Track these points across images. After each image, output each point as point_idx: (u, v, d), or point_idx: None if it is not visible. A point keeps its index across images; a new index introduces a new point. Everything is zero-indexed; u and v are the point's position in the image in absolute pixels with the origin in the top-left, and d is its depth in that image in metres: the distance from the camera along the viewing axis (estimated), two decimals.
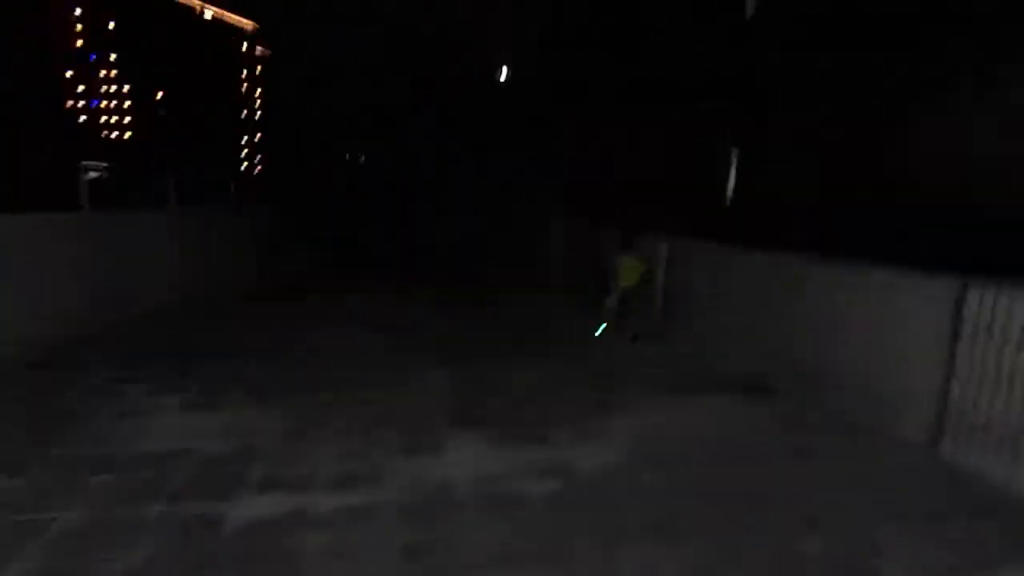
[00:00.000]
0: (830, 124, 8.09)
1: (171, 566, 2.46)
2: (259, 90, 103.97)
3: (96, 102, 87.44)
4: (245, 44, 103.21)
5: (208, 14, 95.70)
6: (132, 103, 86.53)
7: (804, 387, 4.99)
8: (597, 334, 6.98)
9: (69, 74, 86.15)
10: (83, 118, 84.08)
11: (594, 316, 7.21)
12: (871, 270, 4.44)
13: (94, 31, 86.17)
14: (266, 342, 6.23)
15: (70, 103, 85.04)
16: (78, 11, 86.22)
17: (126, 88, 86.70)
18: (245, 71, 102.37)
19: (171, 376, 4.84)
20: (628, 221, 8.81)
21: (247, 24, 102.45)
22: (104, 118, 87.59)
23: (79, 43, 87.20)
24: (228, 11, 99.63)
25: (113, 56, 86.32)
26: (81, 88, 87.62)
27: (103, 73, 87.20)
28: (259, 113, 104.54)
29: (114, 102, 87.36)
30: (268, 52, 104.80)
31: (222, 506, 2.91)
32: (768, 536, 2.83)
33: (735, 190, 11.06)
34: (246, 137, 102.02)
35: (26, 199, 5.81)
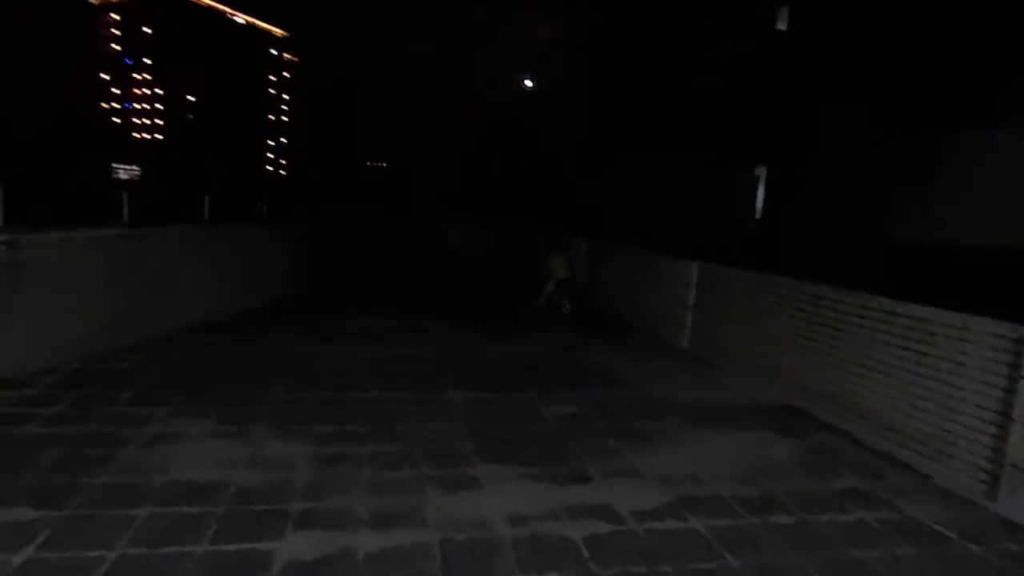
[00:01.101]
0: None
1: None
2: (286, 96, 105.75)
3: (129, 105, 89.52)
4: (274, 51, 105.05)
5: (240, 20, 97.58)
6: (163, 107, 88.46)
7: (840, 420, 4.93)
8: (536, 305, 10.03)
9: (106, 77, 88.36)
10: (116, 120, 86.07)
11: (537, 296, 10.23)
12: (914, 306, 4.39)
13: (131, 36, 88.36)
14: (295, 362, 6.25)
15: (105, 105, 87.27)
16: (116, 16, 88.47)
17: (159, 91, 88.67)
18: (274, 77, 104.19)
19: (198, 399, 4.84)
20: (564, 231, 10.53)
21: (277, 31, 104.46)
22: (136, 120, 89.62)
23: (116, 47, 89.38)
24: (259, 19, 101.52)
25: (148, 60, 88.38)
26: (116, 91, 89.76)
27: (137, 77, 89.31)
28: (285, 118, 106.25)
29: (146, 105, 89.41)
30: (297, 59, 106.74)
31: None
32: None
33: (765, 222, 10.99)
34: (272, 142, 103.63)
35: (66, 211, 5.83)
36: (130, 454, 3.77)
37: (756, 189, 11.64)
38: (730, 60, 11.26)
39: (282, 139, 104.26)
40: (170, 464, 3.66)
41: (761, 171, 11.73)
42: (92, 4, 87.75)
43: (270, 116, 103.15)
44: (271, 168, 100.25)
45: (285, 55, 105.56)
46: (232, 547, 2.88)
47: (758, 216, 11.85)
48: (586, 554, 3.00)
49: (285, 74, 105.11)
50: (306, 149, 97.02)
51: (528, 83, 25.15)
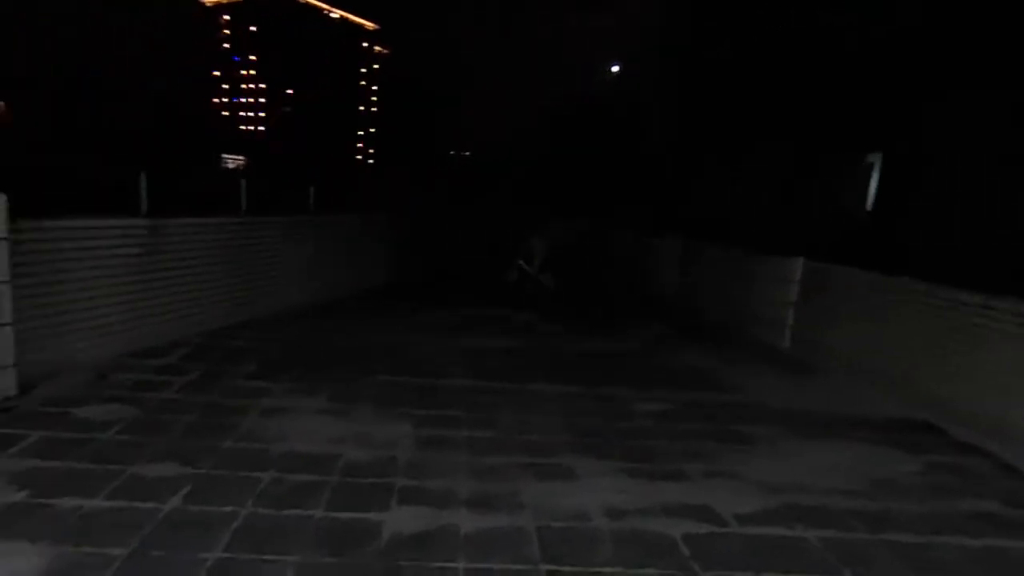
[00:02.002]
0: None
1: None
2: (376, 86, 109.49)
3: (237, 99, 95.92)
4: (366, 43, 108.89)
5: (335, 15, 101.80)
6: (265, 100, 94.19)
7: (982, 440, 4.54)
8: (510, 281, 10.70)
9: (216, 74, 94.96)
10: (226, 113, 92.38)
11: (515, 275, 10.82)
12: None
13: (239, 35, 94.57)
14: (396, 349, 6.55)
15: (215, 100, 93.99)
16: (227, 17, 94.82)
17: (261, 86, 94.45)
18: (365, 68, 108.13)
19: (305, 379, 5.17)
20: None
21: (369, 24, 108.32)
22: (242, 113, 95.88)
23: (226, 46, 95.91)
24: (352, 13, 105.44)
25: (253, 57, 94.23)
26: (226, 87, 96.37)
27: (244, 72, 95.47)
28: (374, 109, 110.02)
29: (250, 99, 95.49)
30: (387, 51, 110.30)
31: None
32: None
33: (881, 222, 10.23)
34: (361, 132, 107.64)
35: (189, 200, 6.37)
36: (251, 423, 4.11)
37: (868, 178, 10.82)
38: (850, 32, 10.47)
39: (371, 129, 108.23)
40: (287, 435, 3.97)
41: (875, 158, 10.86)
42: (206, 6, 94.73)
43: (360, 107, 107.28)
44: (360, 157, 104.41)
45: (376, 47, 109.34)
46: (345, 515, 3.08)
47: (869, 208, 11.02)
48: (686, 552, 2.97)
49: (375, 66, 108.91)
50: (393, 139, 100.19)
51: (615, 69, 24.68)
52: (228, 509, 3.03)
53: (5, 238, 3.93)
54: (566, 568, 2.78)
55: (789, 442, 4.52)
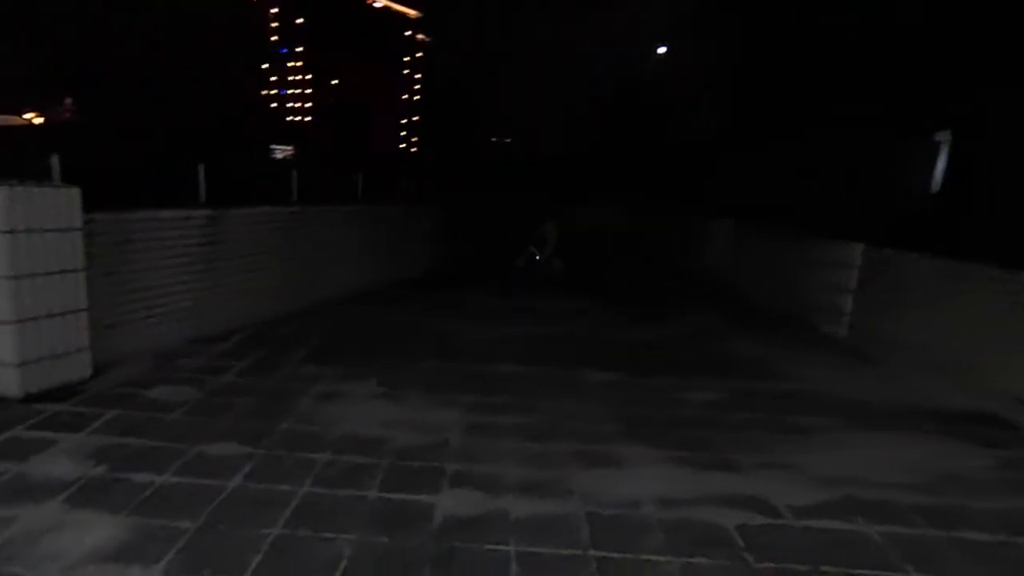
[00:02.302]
0: None
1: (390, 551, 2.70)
2: (419, 75, 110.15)
3: (284, 91, 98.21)
4: (409, 31, 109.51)
5: (378, 4, 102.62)
6: (313, 91, 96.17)
7: None
8: (522, 267, 10.69)
9: (266, 67, 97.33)
10: (274, 105, 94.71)
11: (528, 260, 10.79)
12: None
13: (286, 27, 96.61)
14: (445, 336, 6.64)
15: (264, 92, 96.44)
16: (275, 10, 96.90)
17: (307, 77, 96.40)
18: (407, 57, 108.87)
19: (356, 365, 5.29)
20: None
21: (411, 12, 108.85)
22: (289, 104, 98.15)
23: (275, 38, 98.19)
24: (394, 1, 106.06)
25: (299, 49, 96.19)
26: (274, 79, 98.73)
27: (291, 64, 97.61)
28: (417, 97, 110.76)
29: (297, 90, 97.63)
30: (429, 39, 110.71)
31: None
32: None
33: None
34: (404, 120, 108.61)
35: (242, 190, 6.58)
36: (306, 406, 4.25)
37: (936, 160, 10.25)
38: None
39: (414, 118, 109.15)
40: (340, 418, 4.08)
41: (944, 137, 10.26)
42: (254, 1, 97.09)
43: (403, 96, 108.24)
44: (403, 146, 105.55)
45: (419, 36, 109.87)
46: (397, 496, 3.16)
47: (936, 190, 10.45)
48: (740, 543, 2.92)
49: (418, 54, 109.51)
50: (435, 128, 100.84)
51: (661, 50, 24.11)
52: (286, 488, 3.14)
53: (79, 229, 4.15)
54: (615, 555, 2.77)
55: (848, 433, 4.36)
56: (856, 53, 11.21)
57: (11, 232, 3.75)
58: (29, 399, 3.95)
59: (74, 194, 4.11)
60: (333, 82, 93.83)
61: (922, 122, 10.31)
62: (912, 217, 10.24)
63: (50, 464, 3.21)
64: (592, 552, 2.78)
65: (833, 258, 7.41)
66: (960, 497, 3.47)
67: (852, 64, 11.27)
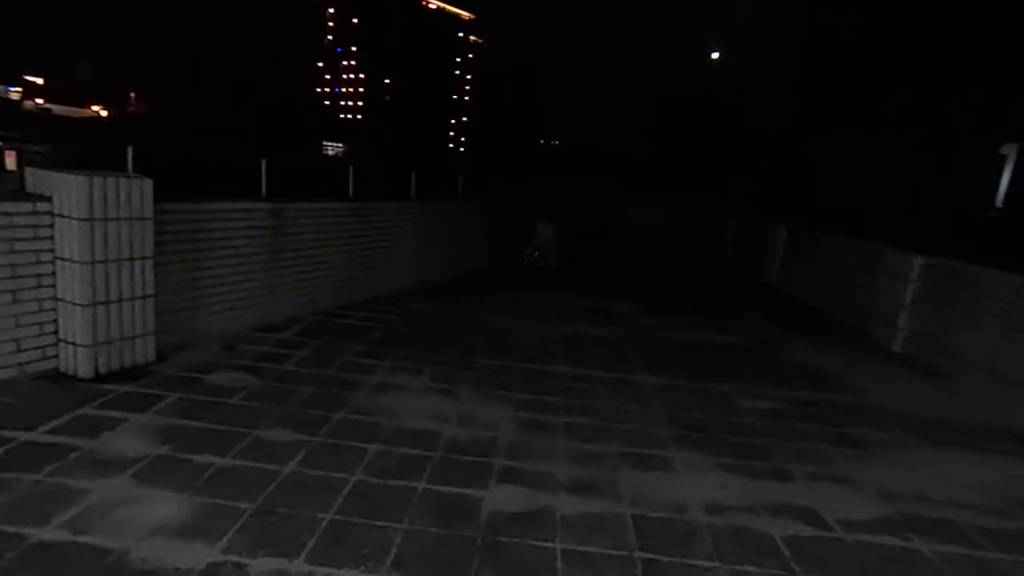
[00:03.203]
0: None
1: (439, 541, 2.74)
2: (470, 75, 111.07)
3: (338, 89, 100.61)
4: (461, 33, 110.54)
5: (432, 5, 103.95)
6: (365, 90, 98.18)
7: None
8: (521, 267, 10.74)
9: (320, 65, 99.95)
10: (327, 103, 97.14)
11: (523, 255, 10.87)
12: None
13: (342, 27, 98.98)
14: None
15: (318, 90, 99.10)
16: (331, 9, 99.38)
17: (362, 76, 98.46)
18: (459, 58, 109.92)
19: (411, 359, 5.38)
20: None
21: (464, 14, 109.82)
22: (342, 103, 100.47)
23: (330, 38, 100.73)
24: (448, 2, 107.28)
25: (354, 48, 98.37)
26: (328, 77, 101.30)
27: (345, 63, 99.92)
28: (468, 97, 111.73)
29: (350, 88, 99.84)
30: (482, 40, 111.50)
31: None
32: None
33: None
34: (454, 120, 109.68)
35: (298, 185, 6.76)
36: (361, 397, 4.35)
37: (1001, 171, 9.74)
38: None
39: (464, 118, 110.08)
40: (393, 410, 4.16)
41: (1010, 149, 9.76)
42: (314, 0, 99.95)
43: (455, 96, 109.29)
44: (454, 145, 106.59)
45: (471, 37, 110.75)
46: (446, 489, 3.20)
47: (1001, 204, 9.94)
48: (787, 553, 2.85)
49: (470, 55, 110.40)
50: (488, 127, 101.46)
51: (716, 55, 23.65)
52: (340, 475, 3.23)
53: (151, 218, 4.37)
54: (663, 558, 2.74)
55: (911, 450, 4.19)
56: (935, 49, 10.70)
57: (89, 220, 3.98)
58: (99, 379, 4.18)
59: (147, 185, 4.32)
60: (386, 81, 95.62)
61: (995, 132, 9.78)
62: (981, 228, 9.74)
63: (119, 441, 3.39)
64: (639, 554, 2.75)
65: (891, 268, 7.11)
66: None
67: (931, 61, 10.76)
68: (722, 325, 7.85)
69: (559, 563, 2.65)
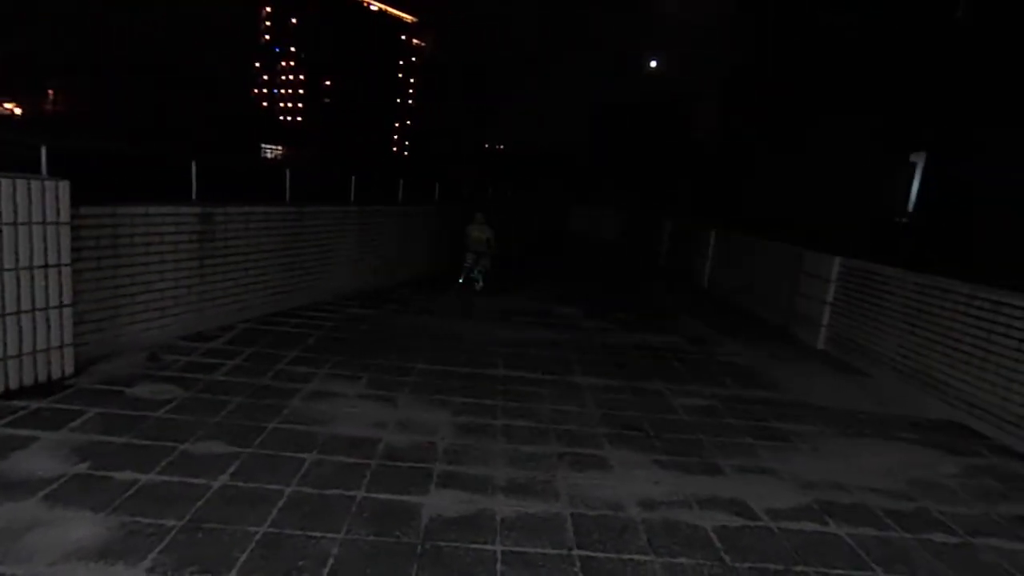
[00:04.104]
0: None
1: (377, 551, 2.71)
2: (413, 79, 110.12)
3: (277, 91, 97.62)
4: (404, 36, 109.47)
5: (374, 7, 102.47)
6: (305, 91, 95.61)
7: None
8: (460, 281, 9.62)
9: (257, 65, 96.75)
10: (265, 104, 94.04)
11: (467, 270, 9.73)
12: None
13: (279, 27, 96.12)
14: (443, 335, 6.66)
15: (255, 91, 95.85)
16: (268, 8, 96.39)
17: (300, 77, 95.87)
18: (402, 61, 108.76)
19: (347, 365, 5.30)
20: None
21: (407, 17, 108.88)
22: (280, 104, 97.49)
23: (267, 37, 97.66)
24: (392, 6, 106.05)
25: (292, 48, 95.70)
26: (265, 78, 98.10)
27: (283, 63, 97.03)
28: (411, 101, 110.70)
29: (289, 90, 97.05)
30: (425, 44, 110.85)
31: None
32: None
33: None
34: (397, 124, 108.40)
35: (234, 189, 6.55)
36: (296, 406, 4.25)
37: (911, 178, 10.52)
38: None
39: (408, 121, 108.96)
40: (330, 418, 4.09)
41: (919, 158, 10.56)
42: None
43: (397, 99, 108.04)
44: (396, 149, 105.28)
45: (414, 40, 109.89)
46: (384, 496, 3.17)
47: (910, 209, 10.72)
48: (718, 544, 2.98)
49: (413, 59, 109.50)
50: (432, 132, 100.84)
51: (653, 64, 24.45)
52: (274, 487, 3.15)
53: (67, 223, 4.13)
54: (600, 555, 2.82)
55: (827, 440, 4.46)
56: (855, 62, 11.44)
57: None
58: (8, 395, 3.91)
59: (63, 187, 4.09)
60: (327, 83, 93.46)
61: (899, 143, 10.56)
62: (893, 232, 10.45)
63: (29, 461, 3.18)
64: (577, 552, 2.82)
65: (812, 270, 7.55)
66: (928, 501, 3.59)
67: (851, 73, 11.49)
68: (658, 326, 8.11)
69: (499, 565, 2.67)
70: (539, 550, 2.81)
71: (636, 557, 2.82)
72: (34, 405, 3.83)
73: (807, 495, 3.56)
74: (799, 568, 2.84)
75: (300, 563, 2.56)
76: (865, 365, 6.40)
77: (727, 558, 2.87)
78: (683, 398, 5.16)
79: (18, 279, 3.89)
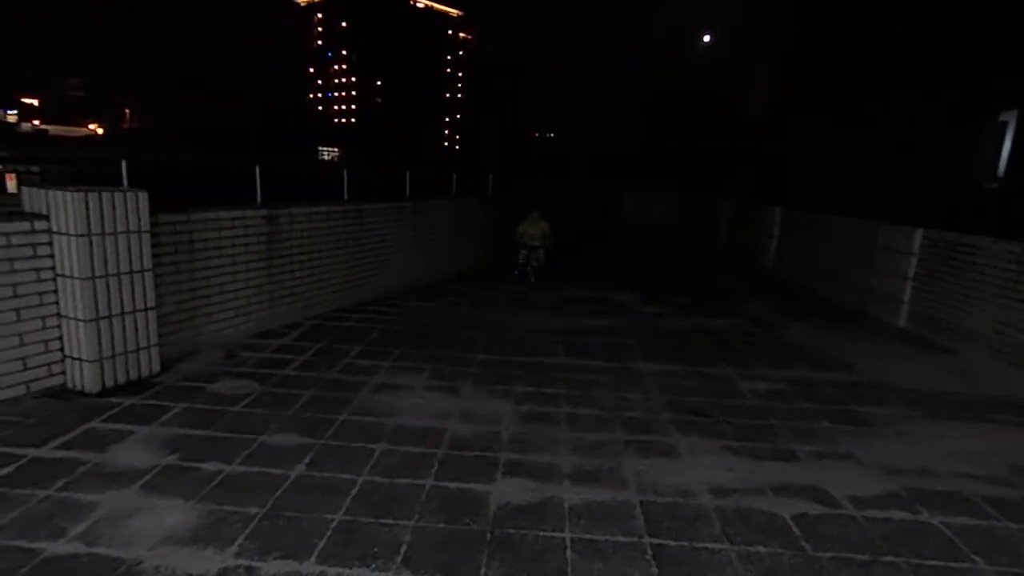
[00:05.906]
0: None
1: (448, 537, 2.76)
2: (461, 72, 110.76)
3: (330, 94, 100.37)
4: (451, 30, 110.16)
5: (420, 4, 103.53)
6: (357, 93, 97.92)
7: None
8: (516, 273, 9.37)
9: (311, 70, 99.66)
10: (320, 108, 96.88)
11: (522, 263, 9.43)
12: None
13: (330, 31, 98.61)
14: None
15: (309, 96, 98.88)
16: (319, 15, 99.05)
17: (353, 79, 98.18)
18: (449, 55, 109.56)
19: (411, 357, 5.40)
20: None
21: (453, 12, 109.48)
22: (334, 107, 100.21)
23: (319, 43, 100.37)
24: (436, 1, 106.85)
25: (344, 51, 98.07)
26: (319, 82, 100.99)
27: (336, 67, 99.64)
28: (460, 95, 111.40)
29: (342, 92, 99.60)
30: (471, 36, 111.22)
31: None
32: None
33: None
34: (447, 118, 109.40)
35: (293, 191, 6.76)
36: (363, 398, 4.37)
37: (1002, 140, 9.67)
38: None
39: (457, 115, 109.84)
40: (396, 410, 4.19)
41: (1010, 116, 9.67)
42: (299, 5, 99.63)
43: (447, 94, 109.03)
44: (448, 143, 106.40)
45: (460, 34, 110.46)
46: (452, 485, 3.22)
47: (1001, 174, 9.87)
48: (797, 532, 2.86)
49: (460, 52, 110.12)
50: (478, 124, 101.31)
51: (707, 38, 23.60)
52: (347, 476, 3.25)
53: (147, 231, 4.39)
54: (671, 543, 2.76)
55: (913, 424, 4.20)
56: (930, 18, 10.63)
57: (87, 235, 4.00)
58: (105, 393, 4.20)
59: (142, 197, 4.34)
60: (378, 83, 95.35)
61: (986, 102, 9.71)
62: (980, 201, 9.68)
63: (127, 453, 3.41)
64: (648, 540, 2.77)
65: (890, 244, 7.11)
66: None
67: (927, 32, 10.69)
68: (720, 310, 7.87)
69: (568, 552, 2.67)
70: (608, 538, 2.78)
71: (710, 545, 2.75)
72: (127, 402, 4.10)
73: (894, 482, 3.37)
74: (888, 559, 2.69)
75: (375, 549, 2.63)
76: (952, 343, 5.99)
77: (807, 547, 2.76)
78: (751, 382, 4.98)
79: (107, 285, 4.16)
